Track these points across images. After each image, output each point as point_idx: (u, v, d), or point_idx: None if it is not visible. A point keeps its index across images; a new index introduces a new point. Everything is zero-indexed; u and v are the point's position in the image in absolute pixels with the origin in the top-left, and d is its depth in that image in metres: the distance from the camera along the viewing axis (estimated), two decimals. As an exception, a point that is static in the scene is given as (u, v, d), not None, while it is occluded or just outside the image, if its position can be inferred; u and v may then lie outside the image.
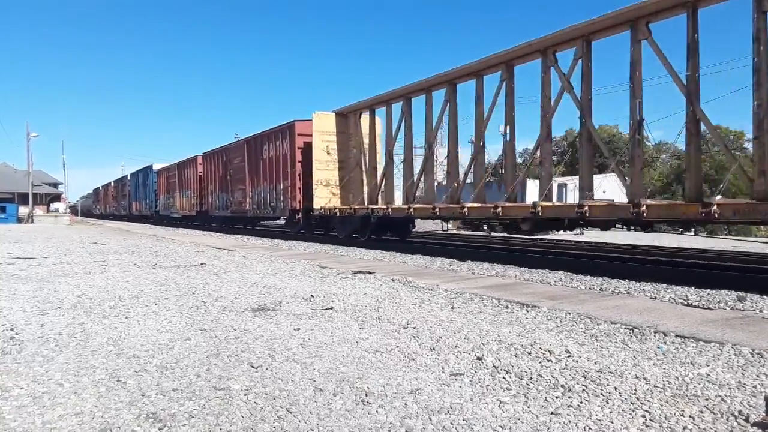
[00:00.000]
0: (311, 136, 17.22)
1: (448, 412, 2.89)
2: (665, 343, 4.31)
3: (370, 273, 8.69)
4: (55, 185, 74.43)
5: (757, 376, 3.45)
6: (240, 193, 23.09)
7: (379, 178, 15.92)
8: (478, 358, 3.87)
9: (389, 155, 15.49)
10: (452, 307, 5.84)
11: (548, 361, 3.82)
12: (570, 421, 2.74)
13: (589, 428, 2.67)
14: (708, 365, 3.69)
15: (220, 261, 11.05)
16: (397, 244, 15.30)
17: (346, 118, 17.43)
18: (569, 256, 11.42)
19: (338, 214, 16.60)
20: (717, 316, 5.26)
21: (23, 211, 45.87)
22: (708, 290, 6.79)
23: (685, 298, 6.29)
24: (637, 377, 3.42)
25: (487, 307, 5.85)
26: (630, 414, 2.83)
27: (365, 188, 16.57)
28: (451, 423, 2.74)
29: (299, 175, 18.11)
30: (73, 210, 77.59)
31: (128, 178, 49.54)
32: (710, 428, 2.65)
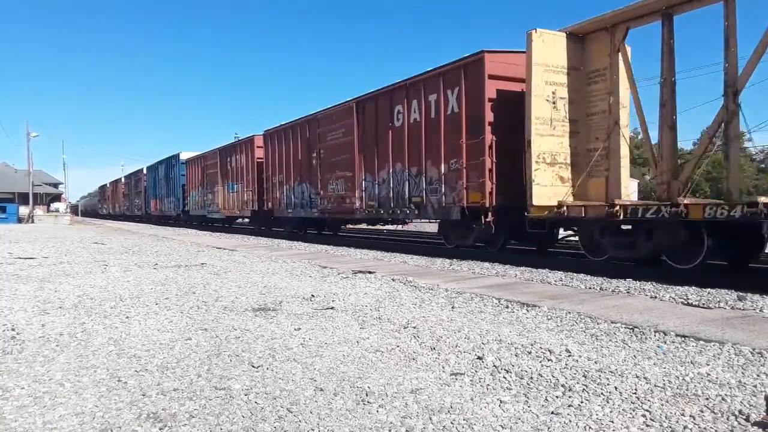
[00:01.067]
0: (513, 80, 10.43)
1: (449, 411, 2.89)
2: (665, 342, 4.31)
3: (370, 273, 8.69)
4: (56, 185, 74.29)
5: (758, 375, 3.46)
6: (340, 184, 15.41)
7: (698, 149, 9.46)
8: (479, 358, 3.88)
9: (733, 94, 7.60)
10: (453, 307, 5.85)
11: (548, 360, 3.82)
12: (570, 421, 2.75)
13: (590, 428, 2.67)
14: (708, 364, 3.69)
15: (220, 261, 11.06)
16: (394, 244, 15.08)
17: (581, 44, 9.90)
18: (569, 255, 11.41)
19: (629, 214, 8.47)
20: (717, 316, 5.26)
21: (23, 211, 45.83)
22: (708, 289, 6.79)
23: (685, 297, 6.29)
24: (637, 377, 3.43)
25: (488, 307, 5.85)
26: (630, 413, 2.84)
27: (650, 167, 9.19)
28: (452, 423, 2.74)
29: (490, 147, 10.39)
30: (74, 210, 76.30)
31: (144, 171, 41.21)
32: (710, 428, 2.65)
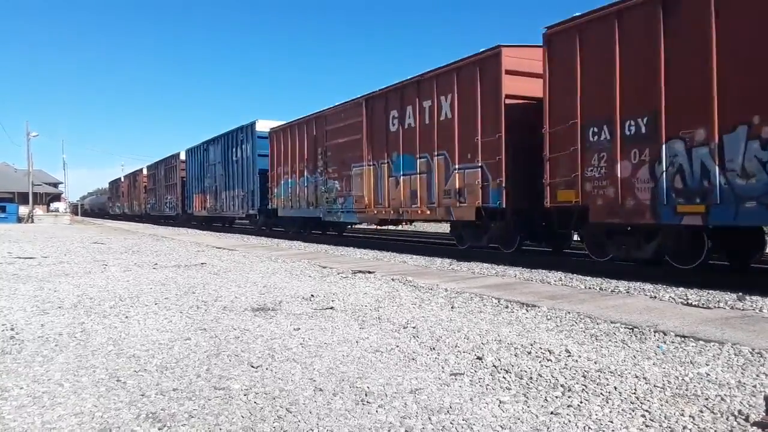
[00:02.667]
0: None
1: (448, 411, 2.89)
2: (665, 342, 4.31)
3: (370, 273, 8.69)
4: (55, 185, 74.17)
5: (757, 375, 3.45)
6: None
7: None
8: (478, 358, 3.87)
9: None
10: (452, 307, 5.84)
11: (548, 360, 3.82)
12: (570, 421, 2.74)
13: (589, 428, 2.67)
14: (708, 365, 3.69)
15: (220, 261, 11.05)
16: (396, 244, 15.03)
17: None
18: (569, 256, 11.41)
19: None
20: (717, 316, 5.26)
21: (23, 210, 45.80)
22: (708, 290, 6.79)
23: (684, 297, 6.29)
24: (636, 377, 3.42)
25: (487, 307, 5.85)
26: (630, 413, 2.83)
27: None
28: (451, 423, 2.74)
29: None
30: (74, 209, 74.99)
31: (182, 157, 30.34)
32: (710, 428, 2.65)
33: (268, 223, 20.66)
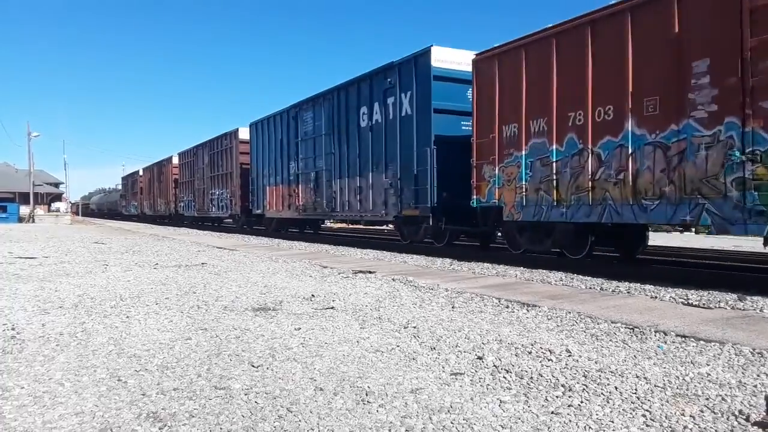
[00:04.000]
0: None
1: (449, 411, 2.89)
2: (666, 342, 4.31)
3: (370, 272, 8.69)
4: (56, 185, 74.18)
5: (758, 375, 3.45)
6: None
7: None
8: (479, 358, 3.87)
9: None
10: (453, 307, 5.85)
11: (549, 360, 3.82)
12: (570, 421, 2.74)
13: (590, 427, 2.67)
14: (708, 364, 3.68)
15: (221, 260, 11.05)
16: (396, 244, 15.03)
17: None
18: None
19: None
20: (717, 316, 5.25)
21: (24, 210, 45.86)
22: (708, 290, 6.79)
23: (685, 297, 6.29)
24: (637, 376, 3.42)
25: (488, 307, 5.85)
26: (630, 413, 2.83)
27: None
28: (452, 422, 2.74)
29: None
30: (76, 209, 74.24)
31: (240, 135, 22.53)
32: (711, 428, 2.65)
33: (454, 233, 12.03)
